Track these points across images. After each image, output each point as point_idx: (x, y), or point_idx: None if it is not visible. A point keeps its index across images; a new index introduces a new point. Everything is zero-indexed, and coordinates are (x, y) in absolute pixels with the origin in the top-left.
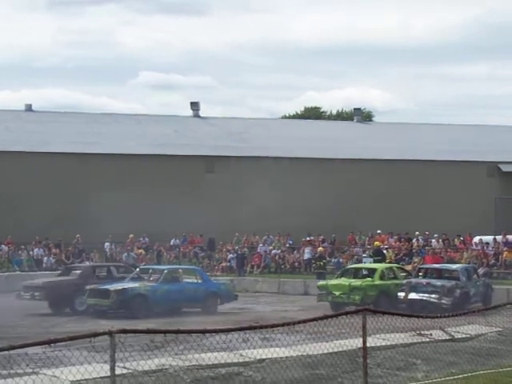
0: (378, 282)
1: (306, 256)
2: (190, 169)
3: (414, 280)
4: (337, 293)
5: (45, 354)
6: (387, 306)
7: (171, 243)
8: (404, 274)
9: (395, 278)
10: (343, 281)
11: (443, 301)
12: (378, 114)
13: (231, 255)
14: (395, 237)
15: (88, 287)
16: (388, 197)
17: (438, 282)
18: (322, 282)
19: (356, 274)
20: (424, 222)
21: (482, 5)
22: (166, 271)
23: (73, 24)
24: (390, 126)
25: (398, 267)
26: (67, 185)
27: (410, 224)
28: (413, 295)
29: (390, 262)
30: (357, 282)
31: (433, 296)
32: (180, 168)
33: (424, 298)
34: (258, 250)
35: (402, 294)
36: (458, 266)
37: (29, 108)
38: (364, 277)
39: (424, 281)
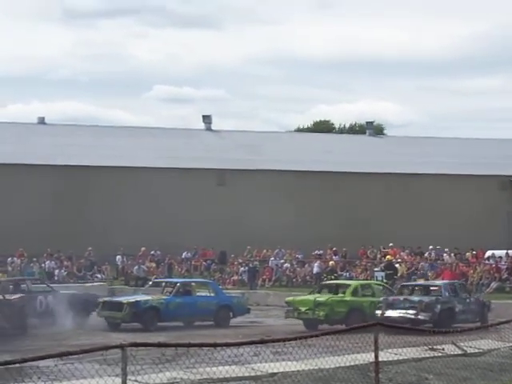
0: (348, 298)
1: (315, 270)
2: (202, 182)
3: (391, 297)
4: (303, 308)
5: (56, 367)
6: (359, 324)
7: (183, 256)
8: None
9: (373, 295)
10: (310, 296)
11: (420, 316)
12: (391, 127)
13: (243, 268)
14: (407, 251)
15: (101, 300)
16: (400, 210)
17: (416, 298)
18: (289, 298)
19: (336, 289)
20: (436, 235)
21: (491, 19)
22: (178, 284)
23: (86, 37)
24: (402, 140)
25: (378, 284)
26: (80, 197)
27: (421, 238)
28: (390, 312)
29: (401, 277)
30: (322, 298)
31: (410, 312)
32: (192, 181)
33: (401, 315)
34: (270, 264)
35: (379, 312)
36: (442, 281)
37: (41, 121)
38: (341, 293)
39: (401, 297)
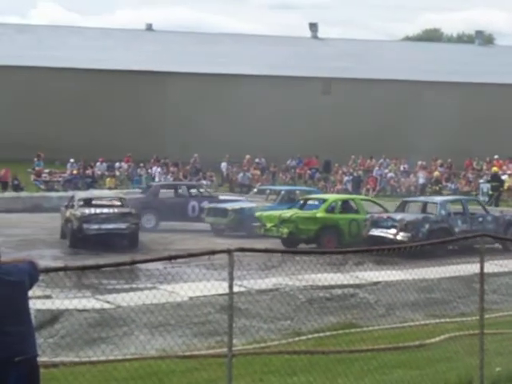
0: (321, 214)
1: (421, 181)
2: (307, 90)
3: (376, 214)
4: (268, 225)
5: (165, 270)
6: (334, 244)
7: (287, 163)
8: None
9: (356, 212)
10: (275, 212)
11: (398, 237)
12: (502, 36)
13: (347, 178)
14: None
15: (207, 206)
16: (508, 121)
17: (399, 216)
18: (258, 213)
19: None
20: None
21: None
22: (283, 192)
23: None
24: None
25: (364, 199)
26: (187, 105)
27: None
28: (373, 231)
29: (508, 189)
30: (286, 214)
31: (390, 231)
32: (297, 89)
33: (381, 234)
34: (374, 173)
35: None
36: (441, 198)
37: (149, 27)
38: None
39: (385, 215)
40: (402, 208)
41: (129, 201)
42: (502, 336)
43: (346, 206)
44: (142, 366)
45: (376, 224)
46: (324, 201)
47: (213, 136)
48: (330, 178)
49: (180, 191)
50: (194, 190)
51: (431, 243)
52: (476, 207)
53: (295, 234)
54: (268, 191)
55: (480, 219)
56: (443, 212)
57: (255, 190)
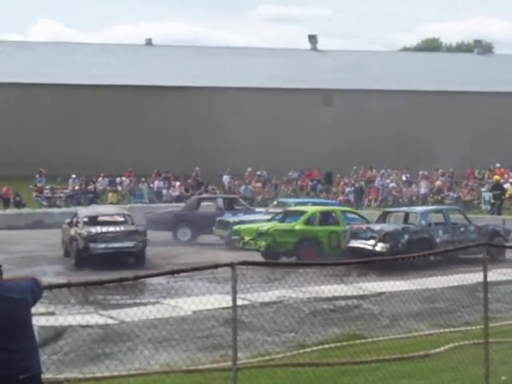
0: (300, 227)
1: (423, 191)
2: (308, 102)
3: (355, 226)
4: (247, 238)
5: (168, 284)
6: (313, 256)
7: (289, 174)
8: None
9: (336, 224)
10: (254, 225)
11: (377, 248)
12: (500, 45)
13: (349, 189)
14: None
15: (217, 219)
16: (508, 129)
17: (378, 226)
18: (237, 226)
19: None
20: None
21: None
22: (293, 205)
23: None
24: (510, 58)
25: (345, 211)
26: (187, 118)
27: None
28: (352, 242)
29: (510, 197)
30: (264, 227)
31: (369, 242)
32: (297, 101)
33: (360, 246)
34: (376, 184)
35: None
36: (422, 208)
37: (149, 42)
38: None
39: (365, 226)
40: (382, 219)
41: (163, 214)
42: (507, 345)
43: (325, 218)
44: (147, 381)
45: (355, 235)
46: (303, 213)
47: (214, 149)
48: (331, 189)
49: (216, 204)
50: (231, 203)
51: (432, 253)
52: (458, 216)
53: (273, 248)
54: (291, 205)
55: (462, 229)
56: (423, 222)
57: (275, 202)
